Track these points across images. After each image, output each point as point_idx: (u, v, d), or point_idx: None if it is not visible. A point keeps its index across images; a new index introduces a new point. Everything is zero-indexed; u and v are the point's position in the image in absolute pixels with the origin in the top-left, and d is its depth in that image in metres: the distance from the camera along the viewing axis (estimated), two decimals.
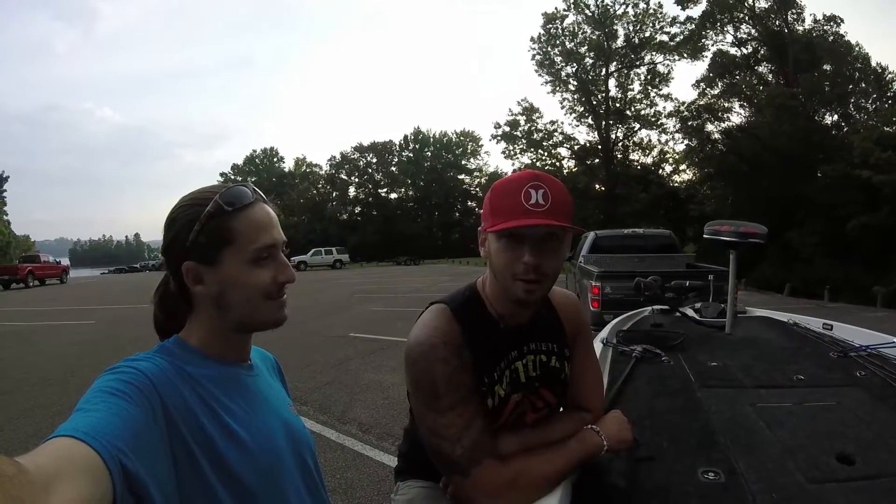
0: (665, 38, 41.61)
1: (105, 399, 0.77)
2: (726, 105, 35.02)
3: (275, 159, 78.61)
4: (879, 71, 29.77)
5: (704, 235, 2.76)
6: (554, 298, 1.45)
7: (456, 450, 1.19)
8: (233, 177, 75.19)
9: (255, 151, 79.15)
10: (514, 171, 50.88)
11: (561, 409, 1.42)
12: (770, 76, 33.95)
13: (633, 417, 1.57)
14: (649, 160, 45.42)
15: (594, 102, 45.51)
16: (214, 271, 0.97)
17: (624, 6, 42.56)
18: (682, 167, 42.59)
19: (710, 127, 34.79)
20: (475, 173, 72.07)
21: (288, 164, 79.26)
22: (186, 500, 0.84)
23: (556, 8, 44.51)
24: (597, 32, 43.62)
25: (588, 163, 45.93)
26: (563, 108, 47.18)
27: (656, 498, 1.14)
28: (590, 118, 46.01)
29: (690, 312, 3.13)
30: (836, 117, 30.20)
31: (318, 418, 5.61)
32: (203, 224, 0.96)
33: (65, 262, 41.08)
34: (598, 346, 2.41)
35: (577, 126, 47.09)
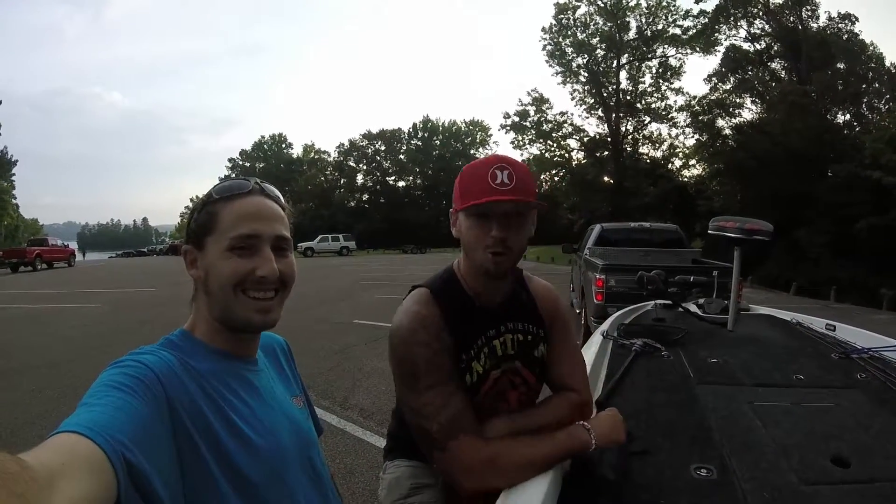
0: (678, 31, 41.39)
1: (109, 394, 0.77)
2: (738, 101, 34.84)
3: (283, 145, 78.40)
4: (893, 71, 29.45)
5: (709, 231, 2.75)
6: (532, 286, 1.55)
7: (433, 426, 1.27)
8: (241, 162, 75.34)
9: (263, 137, 78.98)
10: (523, 160, 50.91)
11: (542, 393, 1.51)
12: (783, 73, 33.75)
13: (629, 411, 1.58)
14: (659, 154, 45.36)
15: (605, 94, 45.28)
16: (202, 256, 0.99)
17: None
18: (692, 162, 42.42)
19: (720, 122, 34.69)
20: None
21: (296, 151, 79.29)
22: (191, 494, 0.84)
23: None
24: (609, 24, 43.34)
25: (597, 155, 45.76)
26: (573, 99, 46.84)
27: (647, 492, 1.15)
28: (600, 110, 45.82)
29: (693, 308, 3.12)
30: (848, 116, 30.01)
31: (321, 403, 5.63)
32: (198, 211, 1.00)
33: (73, 245, 41.21)
34: (598, 338, 2.41)
35: (587, 118, 46.99)
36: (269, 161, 75.94)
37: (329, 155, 76.41)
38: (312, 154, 77.73)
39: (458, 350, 1.36)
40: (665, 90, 43.64)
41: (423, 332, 1.32)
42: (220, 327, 1.02)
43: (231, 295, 0.97)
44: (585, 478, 1.19)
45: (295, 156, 78.25)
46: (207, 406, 0.91)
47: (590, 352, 2.18)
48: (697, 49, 39.82)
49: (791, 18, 32.19)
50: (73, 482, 0.59)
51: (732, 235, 2.60)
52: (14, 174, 52.93)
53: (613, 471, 1.19)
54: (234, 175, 72.62)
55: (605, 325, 2.66)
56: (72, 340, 8.92)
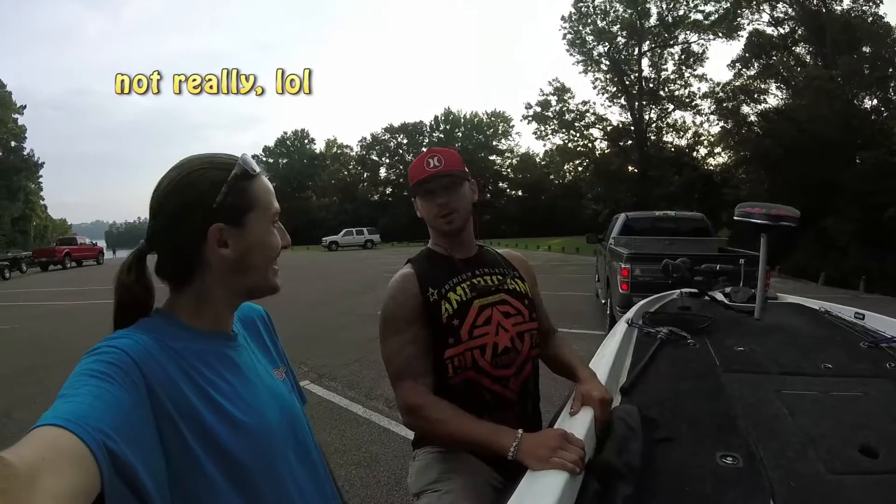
0: (699, 16, 40.51)
1: (87, 383, 0.76)
2: (763, 87, 34.32)
3: (305, 141, 78.30)
4: None
5: (735, 217, 2.71)
6: (500, 251, 1.94)
7: (390, 367, 1.64)
8: (264, 159, 75.54)
9: (285, 133, 78.56)
10: (546, 151, 50.60)
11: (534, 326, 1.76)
12: (808, 58, 33.08)
13: (654, 399, 1.59)
14: (683, 142, 44.64)
15: (627, 83, 44.78)
16: (240, 234, 0.98)
17: None
18: (717, 150, 41.80)
19: (745, 109, 34.12)
20: (506, 154, 71.19)
21: (319, 146, 78.99)
22: (176, 479, 0.83)
23: None
24: (629, 10, 42.74)
25: (621, 144, 45.29)
26: (595, 88, 46.33)
27: (672, 479, 1.15)
28: (622, 98, 45.30)
29: (720, 296, 3.09)
30: (875, 101, 29.37)
31: (347, 394, 5.77)
32: (231, 186, 0.98)
33: (101, 243, 41.83)
34: (622, 326, 2.40)
35: (610, 107, 46.30)
36: (291, 157, 75.90)
37: (351, 149, 76.38)
38: (335, 149, 77.65)
39: (428, 285, 1.66)
40: (688, 77, 43.02)
41: (395, 289, 1.69)
42: (223, 302, 1.03)
43: (270, 267, 1.06)
44: (609, 464, 1.18)
45: (318, 151, 78.08)
46: (188, 387, 0.89)
47: (614, 340, 2.17)
48: (720, 34, 39.13)
49: (814, 1, 31.57)
50: (56, 476, 0.60)
51: (758, 222, 2.55)
52: (41, 176, 53.94)
53: (637, 457, 1.18)
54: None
55: (630, 314, 2.64)
56: (100, 336, 8.89)
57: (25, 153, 50.89)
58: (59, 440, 0.64)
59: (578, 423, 1.34)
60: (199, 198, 0.96)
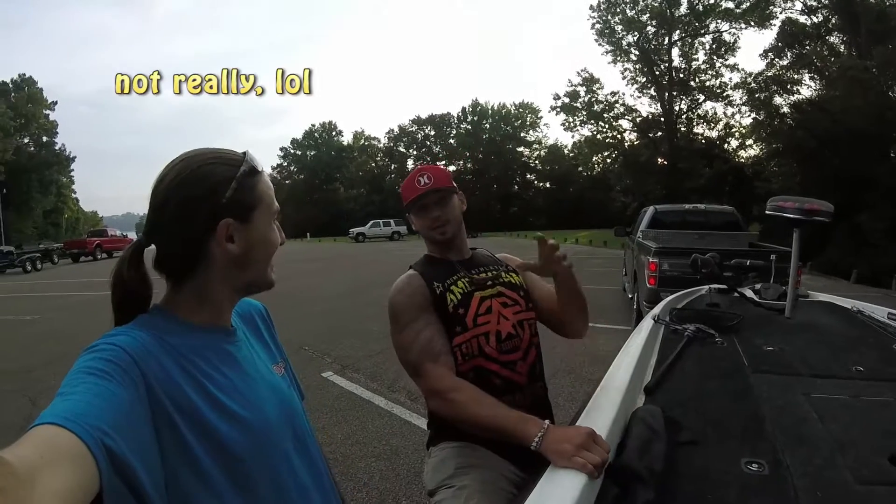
0: (731, 4, 40.00)
1: (85, 380, 0.76)
2: (796, 77, 33.75)
3: (333, 133, 78.72)
4: None
5: (767, 211, 2.64)
6: (498, 255, 2.05)
7: (410, 355, 1.70)
8: (292, 151, 76.24)
9: (313, 126, 79.15)
10: (574, 142, 50.29)
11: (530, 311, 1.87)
12: (842, 47, 32.48)
13: (679, 399, 1.55)
14: (714, 134, 44.18)
15: (657, 73, 44.42)
16: (246, 230, 0.99)
17: None
18: (749, 142, 41.27)
19: (778, 100, 33.55)
20: (534, 146, 71.01)
21: (346, 138, 79.57)
22: (171, 474, 0.83)
23: None
24: None
25: (650, 136, 45.02)
26: (624, 78, 46.07)
27: (694, 484, 1.11)
28: (652, 89, 44.97)
29: (749, 293, 3.03)
30: None
31: (369, 385, 5.84)
32: (241, 182, 0.98)
33: (132, 235, 42.67)
34: (649, 322, 2.36)
35: (639, 97, 46.17)
36: (319, 149, 76.48)
37: (379, 141, 76.85)
38: (362, 140, 78.14)
39: (433, 281, 1.78)
40: (719, 67, 42.56)
41: (402, 285, 1.81)
42: (223, 297, 1.03)
43: (269, 263, 1.07)
44: (629, 467, 1.15)
45: (345, 143, 78.56)
46: (187, 383, 0.89)
47: (640, 336, 2.12)
48: (752, 23, 38.55)
49: None
50: (54, 474, 0.59)
51: (791, 216, 2.48)
52: (73, 170, 55.27)
53: (660, 460, 1.15)
54: (285, 163, 75.11)
55: (657, 310, 2.59)
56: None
57: (57, 148, 52.25)
58: (57, 439, 0.64)
59: (602, 423, 1.31)
60: (210, 192, 0.96)
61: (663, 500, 1.06)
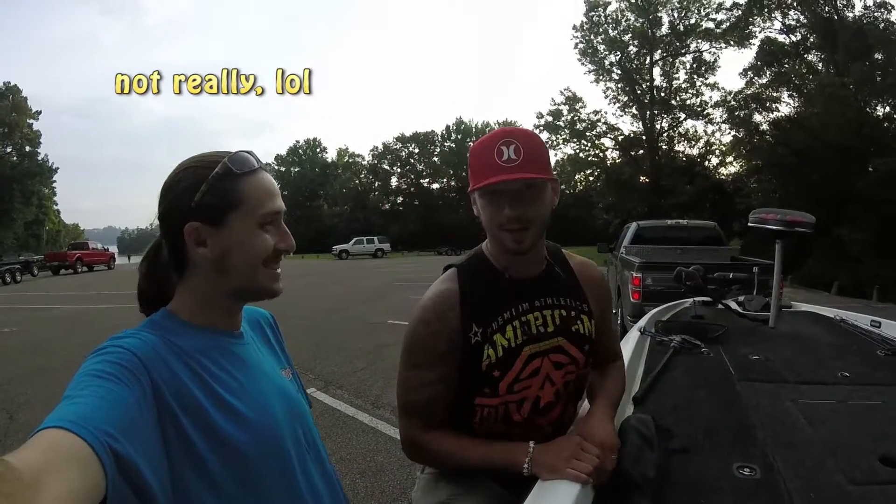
0: (711, 25, 40.44)
1: (91, 383, 0.76)
2: (774, 94, 34.17)
3: (318, 149, 78.95)
4: None
5: (749, 223, 2.68)
6: (572, 262, 1.54)
7: (402, 398, 1.42)
8: (276, 167, 76.10)
9: (298, 142, 79.49)
10: (557, 161, 50.53)
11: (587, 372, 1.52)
12: (820, 65, 32.97)
13: (668, 407, 1.56)
14: (695, 151, 44.35)
15: (638, 92, 44.72)
16: (219, 233, 0.97)
17: None
18: (729, 159, 41.57)
19: (757, 117, 33.88)
20: None
21: (331, 155, 79.85)
22: (177, 476, 0.83)
23: None
24: (640, 20, 42.75)
25: (632, 153, 45.21)
26: (606, 97, 46.27)
27: (688, 491, 1.11)
28: (634, 108, 45.19)
29: (733, 305, 3.06)
30: (888, 108, 29.20)
31: (353, 402, 5.79)
32: (211, 185, 0.96)
33: (113, 249, 42.45)
34: (635, 334, 2.38)
35: (621, 116, 46.18)
36: (303, 165, 76.69)
37: (363, 158, 76.96)
38: (346, 157, 78.27)
39: (472, 323, 1.35)
40: (700, 86, 42.86)
41: (431, 311, 1.37)
42: (218, 301, 1.02)
43: (258, 269, 1.01)
44: (623, 476, 1.15)
45: (329, 160, 78.81)
46: (194, 383, 0.90)
47: (627, 347, 2.13)
48: (732, 43, 38.96)
49: (826, 8, 31.44)
50: (60, 478, 0.59)
51: (773, 228, 2.52)
52: (55, 181, 54.78)
53: (653, 468, 1.15)
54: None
55: (643, 322, 2.61)
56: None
57: (40, 158, 51.75)
58: (62, 442, 0.64)
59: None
60: (179, 196, 0.97)
61: None
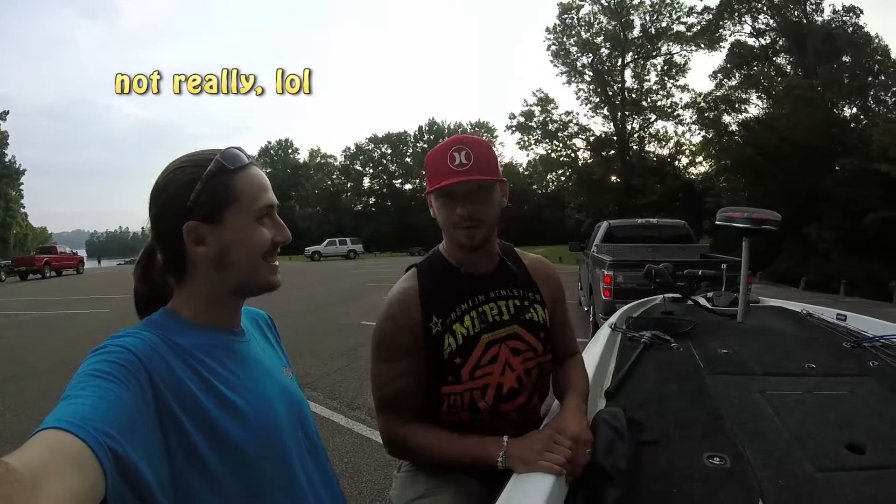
0: (682, 28, 40.96)
1: (91, 383, 0.75)
2: (744, 96, 34.68)
3: (289, 150, 78.67)
4: None
5: (717, 222, 2.72)
6: (525, 259, 1.66)
7: (377, 395, 1.50)
8: None
9: (269, 143, 79.20)
10: (529, 161, 50.62)
11: (546, 357, 1.57)
12: (788, 67, 33.63)
13: (639, 401, 1.57)
14: (665, 152, 44.90)
15: (610, 93, 45.06)
16: (217, 230, 0.96)
17: None
18: (699, 159, 42.07)
19: (726, 118, 34.51)
20: None
21: (303, 156, 79.53)
22: (177, 475, 0.82)
23: None
24: (613, 22, 43.09)
25: (603, 154, 45.51)
26: (578, 98, 46.70)
27: (660, 482, 1.12)
28: (605, 109, 45.52)
29: (702, 301, 3.09)
30: (854, 110, 29.83)
31: (329, 404, 5.73)
32: (206, 182, 0.95)
33: (81, 253, 41.80)
34: (606, 331, 2.39)
35: (593, 117, 46.62)
36: (275, 166, 76.06)
37: (335, 159, 76.83)
38: (319, 158, 77.97)
39: (430, 312, 1.46)
40: (670, 88, 43.30)
41: (396, 307, 1.47)
42: (220, 299, 1.02)
43: (258, 263, 1.01)
44: (595, 468, 1.16)
45: (301, 161, 78.45)
46: (194, 382, 0.89)
47: (598, 344, 2.16)
48: (702, 46, 39.46)
49: (795, 13, 32.02)
50: (59, 479, 0.59)
51: (740, 225, 2.56)
52: (22, 183, 53.58)
53: (624, 460, 1.16)
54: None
55: (614, 318, 2.63)
56: (80, 344, 8.83)
57: (7, 160, 50.54)
58: (62, 443, 0.64)
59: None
60: (173, 197, 0.96)
61: (631, 498, 1.07)
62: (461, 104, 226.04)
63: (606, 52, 44.50)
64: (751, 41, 35.08)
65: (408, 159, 70.84)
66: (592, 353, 2.01)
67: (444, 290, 1.50)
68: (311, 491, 1.05)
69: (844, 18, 30.78)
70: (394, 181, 71.51)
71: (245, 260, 1.00)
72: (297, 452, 1.05)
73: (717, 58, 43.16)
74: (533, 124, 47.10)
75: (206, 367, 0.94)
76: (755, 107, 34.13)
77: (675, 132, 44.01)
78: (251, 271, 1.01)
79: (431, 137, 70.42)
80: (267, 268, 1.03)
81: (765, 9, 33.61)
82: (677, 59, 42.44)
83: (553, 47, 45.08)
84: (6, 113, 50.19)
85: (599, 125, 46.57)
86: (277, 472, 0.98)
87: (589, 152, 46.98)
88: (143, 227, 1.03)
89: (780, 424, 1.35)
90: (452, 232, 1.46)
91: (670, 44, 42.34)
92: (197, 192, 0.95)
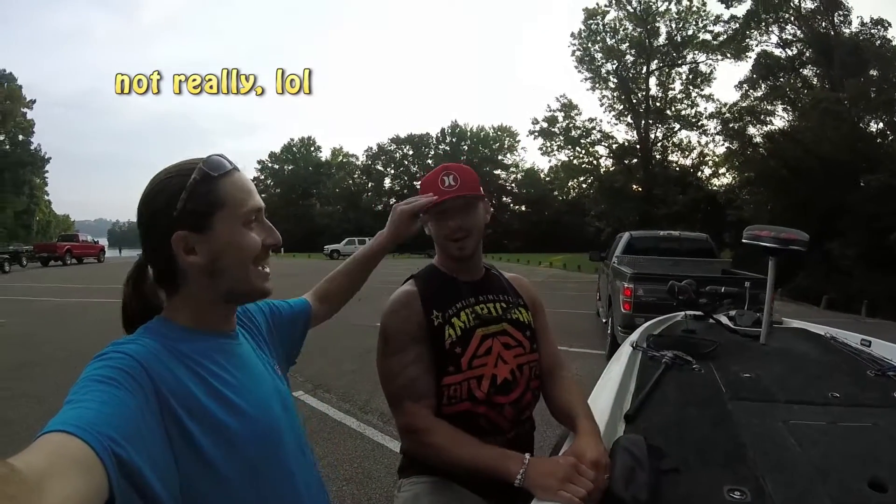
0: (708, 36, 40.83)
1: (94, 388, 0.77)
2: (769, 108, 34.34)
3: (311, 148, 78.87)
4: None
5: (743, 240, 2.67)
6: (507, 274, 1.87)
7: (389, 388, 1.59)
8: (270, 164, 76.07)
9: (292, 140, 79.40)
10: (551, 167, 50.46)
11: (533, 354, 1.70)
12: (815, 80, 33.18)
13: (660, 426, 1.54)
14: (688, 162, 44.68)
15: (634, 101, 44.94)
16: (206, 238, 0.96)
17: (666, 3, 41.89)
18: (722, 170, 41.78)
19: (751, 130, 34.14)
20: (511, 169, 71.73)
21: (325, 154, 79.86)
22: (186, 480, 0.84)
23: (597, 3, 43.98)
24: (638, 29, 43.04)
25: (626, 162, 45.38)
26: (601, 105, 46.53)
27: None
28: (629, 117, 45.43)
29: (725, 320, 3.04)
30: (881, 125, 29.38)
31: (341, 406, 5.73)
32: (190, 191, 0.95)
33: (103, 241, 42.25)
34: (627, 349, 2.36)
35: (616, 124, 46.55)
36: (297, 164, 76.67)
37: (357, 158, 77.22)
38: (340, 157, 78.34)
39: (432, 307, 1.62)
40: (695, 97, 43.15)
41: (398, 304, 1.65)
42: (214, 306, 1.02)
43: (249, 268, 1.01)
44: (615, 499, 1.14)
45: (323, 159, 78.83)
46: (196, 385, 0.90)
47: (618, 363, 2.13)
48: (728, 55, 39.26)
49: (823, 24, 31.65)
50: (63, 482, 0.59)
51: (768, 245, 2.51)
52: (47, 171, 54.41)
53: (644, 489, 1.14)
54: (262, 177, 74.58)
55: (635, 336, 2.60)
56: (97, 334, 8.84)
57: (33, 148, 51.39)
58: (66, 446, 0.64)
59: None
60: (161, 208, 0.97)
61: None
62: (485, 107, 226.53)
63: (631, 59, 44.47)
64: (777, 52, 34.67)
65: (429, 161, 70.78)
66: (614, 373, 1.99)
67: (440, 292, 1.67)
68: (304, 488, 1.07)
69: (872, 31, 30.33)
70: (415, 182, 71.09)
71: (236, 265, 1.00)
72: (295, 451, 1.07)
73: (743, 68, 43.07)
74: (556, 130, 47.11)
75: (207, 370, 0.95)
76: (780, 119, 33.75)
77: (699, 142, 43.87)
78: (242, 277, 1.01)
79: (454, 140, 70.65)
80: (258, 274, 1.03)
81: (792, 19, 33.27)
82: (703, 67, 42.41)
83: (578, 53, 45.13)
84: (33, 102, 50.94)
85: (622, 133, 46.61)
86: (276, 471, 1.00)
87: (611, 160, 46.94)
88: None
89: (802, 457, 1.31)
90: (445, 245, 1.67)
91: (696, 52, 42.25)
92: (183, 202, 0.95)
